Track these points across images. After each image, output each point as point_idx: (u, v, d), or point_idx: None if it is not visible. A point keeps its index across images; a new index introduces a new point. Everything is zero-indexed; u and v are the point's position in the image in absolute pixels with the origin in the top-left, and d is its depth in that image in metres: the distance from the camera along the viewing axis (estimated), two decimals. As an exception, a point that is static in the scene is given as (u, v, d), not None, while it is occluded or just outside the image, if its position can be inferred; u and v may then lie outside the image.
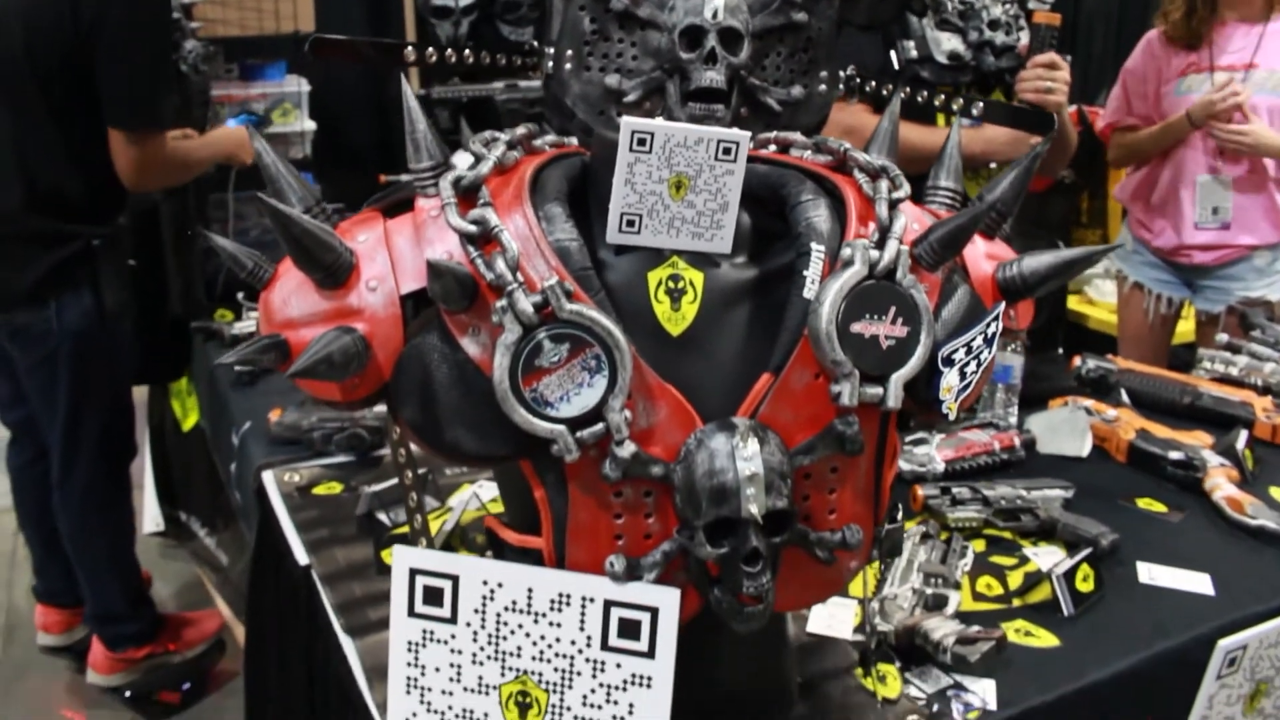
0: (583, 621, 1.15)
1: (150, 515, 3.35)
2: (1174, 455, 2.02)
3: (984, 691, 1.44)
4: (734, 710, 1.32)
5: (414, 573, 1.19)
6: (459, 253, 1.08)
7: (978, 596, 1.67)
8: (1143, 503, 1.95)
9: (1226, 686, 1.63)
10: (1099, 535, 1.76)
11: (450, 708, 1.21)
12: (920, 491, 1.86)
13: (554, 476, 1.12)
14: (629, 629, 1.14)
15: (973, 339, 1.15)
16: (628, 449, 1.06)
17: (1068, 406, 2.19)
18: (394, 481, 1.94)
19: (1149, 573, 1.73)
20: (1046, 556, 1.76)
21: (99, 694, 2.88)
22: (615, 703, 1.16)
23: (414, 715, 1.22)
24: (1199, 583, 1.71)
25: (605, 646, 1.15)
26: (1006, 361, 2.14)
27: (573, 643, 1.16)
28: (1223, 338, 2.47)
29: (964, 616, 1.60)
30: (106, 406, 2.67)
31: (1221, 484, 1.92)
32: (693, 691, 1.25)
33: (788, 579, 1.17)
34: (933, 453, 1.99)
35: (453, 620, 1.19)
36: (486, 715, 1.20)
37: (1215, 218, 2.82)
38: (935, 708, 1.41)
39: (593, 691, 1.16)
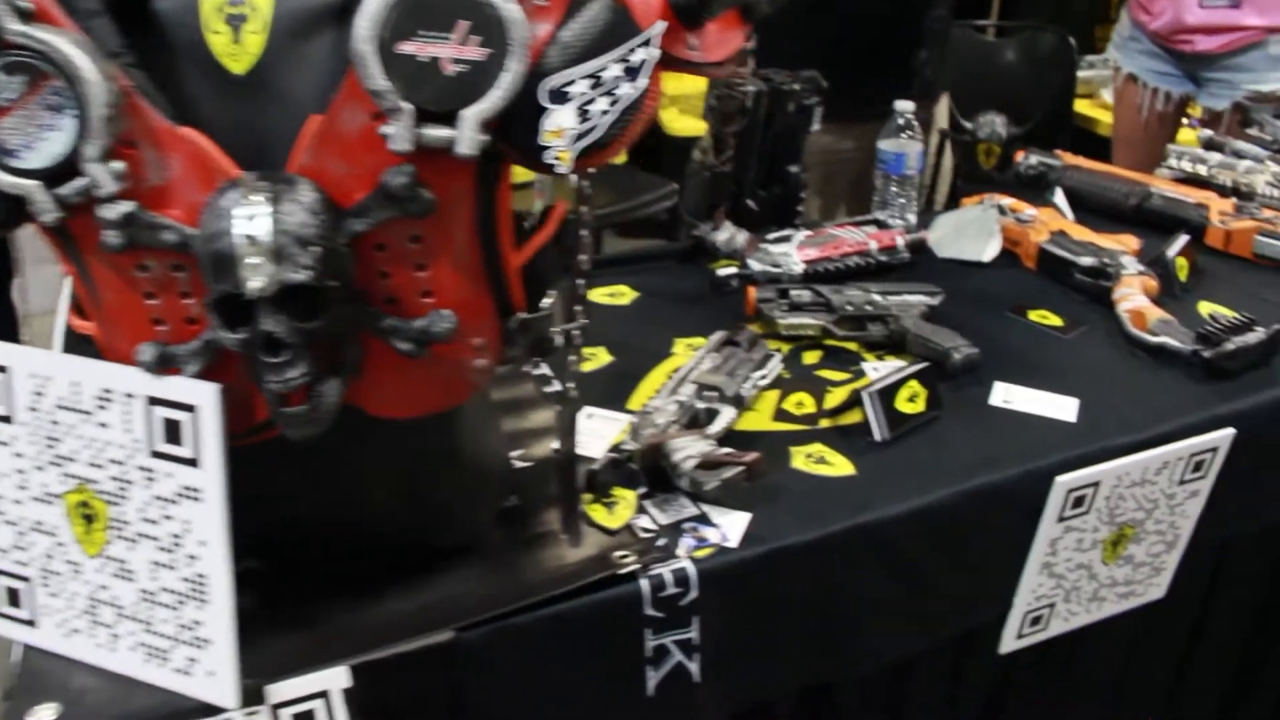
0: (128, 421, 0.95)
1: None
2: (1085, 261, 1.70)
3: (730, 526, 1.20)
4: (377, 533, 1.11)
5: (-35, 361, 1.00)
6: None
7: (782, 415, 1.41)
8: (1035, 315, 1.64)
9: (1074, 529, 1.36)
10: (951, 349, 1.47)
11: (24, 518, 1.03)
12: (753, 293, 1.59)
13: (74, 249, 0.91)
14: (173, 432, 0.93)
15: (602, 67, 0.87)
16: (117, 209, 0.84)
17: (981, 204, 1.86)
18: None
19: (1005, 394, 1.45)
20: (887, 371, 1.48)
21: None
22: (170, 518, 0.96)
23: (-13, 526, 1.04)
24: (1062, 408, 1.42)
25: (154, 452, 0.94)
26: (899, 149, 1.81)
27: (122, 446, 0.96)
28: (1205, 133, 2.08)
29: (753, 438, 1.36)
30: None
31: (1131, 294, 1.61)
32: (325, 510, 1.06)
33: (384, 377, 0.94)
34: (791, 251, 1.70)
35: (9, 419, 1.00)
36: (55, 529, 1.02)
37: (1223, -6, 2.37)
38: (663, 541, 1.18)
39: (147, 504, 0.97)
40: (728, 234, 1.74)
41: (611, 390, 1.46)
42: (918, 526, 1.26)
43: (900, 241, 1.74)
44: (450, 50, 0.82)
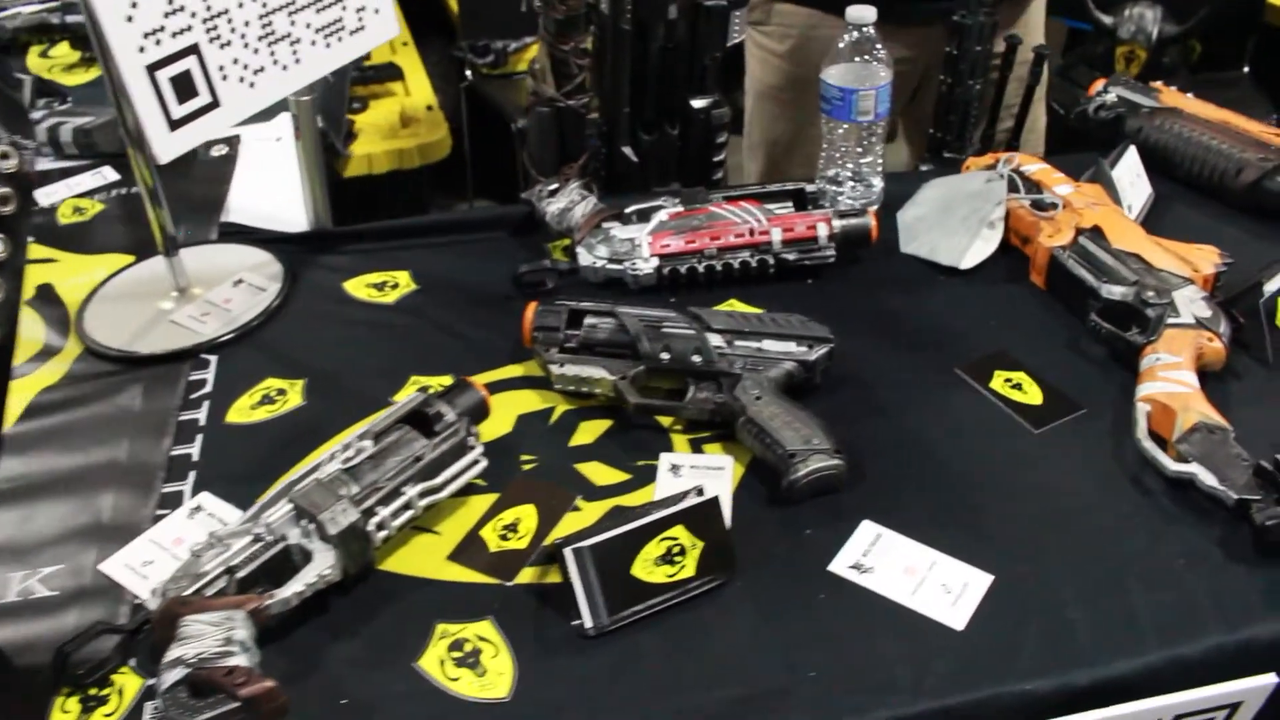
0: None
1: None
2: (1110, 291, 1.02)
3: (221, 798, 0.68)
4: None
5: None
6: None
7: (470, 548, 0.86)
8: (1004, 380, 0.99)
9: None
10: (794, 455, 0.86)
11: None
12: (531, 316, 1.01)
13: None
14: None
15: None
16: None
17: (993, 169, 1.19)
18: None
19: (863, 550, 0.83)
20: (695, 477, 0.90)
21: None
22: None
23: None
24: (956, 595, 0.80)
25: None
26: (851, 81, 1.14)
27: None
28: None
29: (390, 590, 0.82)
30: None
31: (1167, 363, 0.93)
32: None
33: None
34: (642, 238, 1.10)
35: None
36: None
37: None
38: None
39: None
40: (565, 201, 1.15)
41: (269, 461, 0.94)
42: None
43: (823, 230, 1.10)
44: None
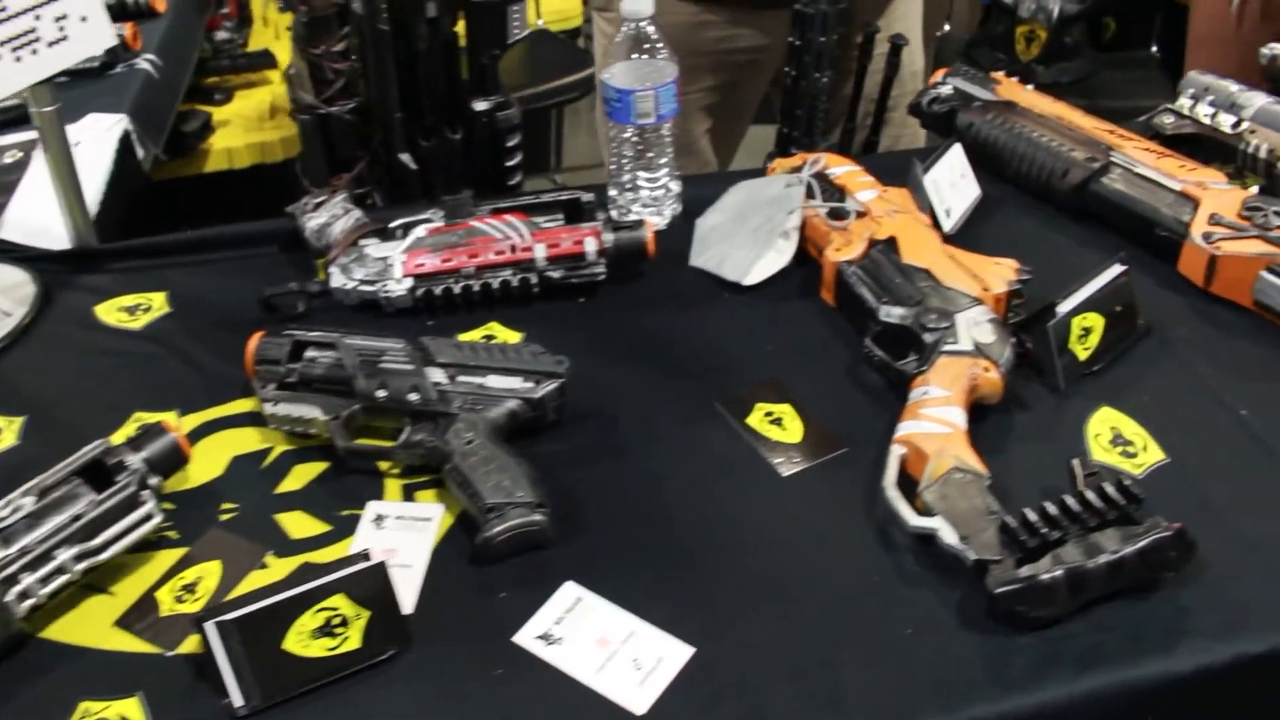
0: None
1: None
2: (889, 313, 0.93)
3: None
4: None
5: None
6: None
7: (140, 613, 0.77)
8: (763, 414, 0.90)
9: None
10: (492, 509, 0.78)
11: None
12: (253, 346, 0.92)
13: None
14: None
15: None
16: None
17: (797, 173, 1.09)
18: None
19: (557, 616, 0.75)
20: (399, 528, 0.81)
21: None
22: None
23: None
24: (642, 671, 0.72)
25: None
26: (631, 81, 1.04)
27: None
28: (1267, 52, 1.19)
29: (52, 661, 0.74)
30: None
31: (926, 400, 0.84)
32: None
33: None
34: (395, 257, 1.01)
35: None
36: None
37: None
38: None
39: None
40: (327, 216, 1.06)
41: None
42: None
43: (591, 246, 1.01)
44: None
